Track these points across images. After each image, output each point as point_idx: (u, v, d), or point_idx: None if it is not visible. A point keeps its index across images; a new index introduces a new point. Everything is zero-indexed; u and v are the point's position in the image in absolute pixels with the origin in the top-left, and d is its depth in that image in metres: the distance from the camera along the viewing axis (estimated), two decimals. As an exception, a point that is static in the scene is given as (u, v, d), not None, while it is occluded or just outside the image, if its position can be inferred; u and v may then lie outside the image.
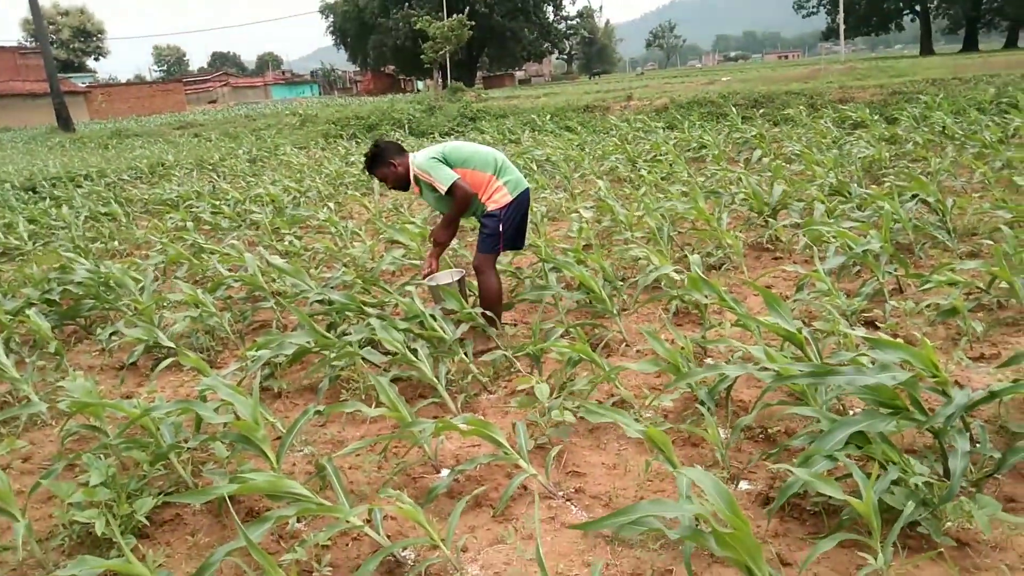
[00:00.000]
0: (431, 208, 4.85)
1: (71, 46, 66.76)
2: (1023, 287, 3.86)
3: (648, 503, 2.05)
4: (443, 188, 4.15)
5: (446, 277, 4.48)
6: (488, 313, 4.18)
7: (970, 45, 46.28)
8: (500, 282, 4.46)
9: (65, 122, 30.68)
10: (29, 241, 8.21)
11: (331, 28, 63.09)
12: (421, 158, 4.29)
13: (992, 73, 14.85)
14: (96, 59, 71.83)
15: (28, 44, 58.86)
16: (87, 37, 68.80)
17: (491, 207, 4.28)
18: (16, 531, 2.49)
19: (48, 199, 11.29)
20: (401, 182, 4.36)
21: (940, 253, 5.15)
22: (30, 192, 12.27)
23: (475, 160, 4.31)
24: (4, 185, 12.54)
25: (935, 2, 47.41)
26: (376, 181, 4.74)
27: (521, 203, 4.36)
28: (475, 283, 4.46)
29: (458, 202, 4.22)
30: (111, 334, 4.71)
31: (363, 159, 4.42)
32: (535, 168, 10.43)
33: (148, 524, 2.72)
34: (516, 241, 4.49)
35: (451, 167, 4.22)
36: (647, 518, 2.16)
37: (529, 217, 4.78)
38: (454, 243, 5.70)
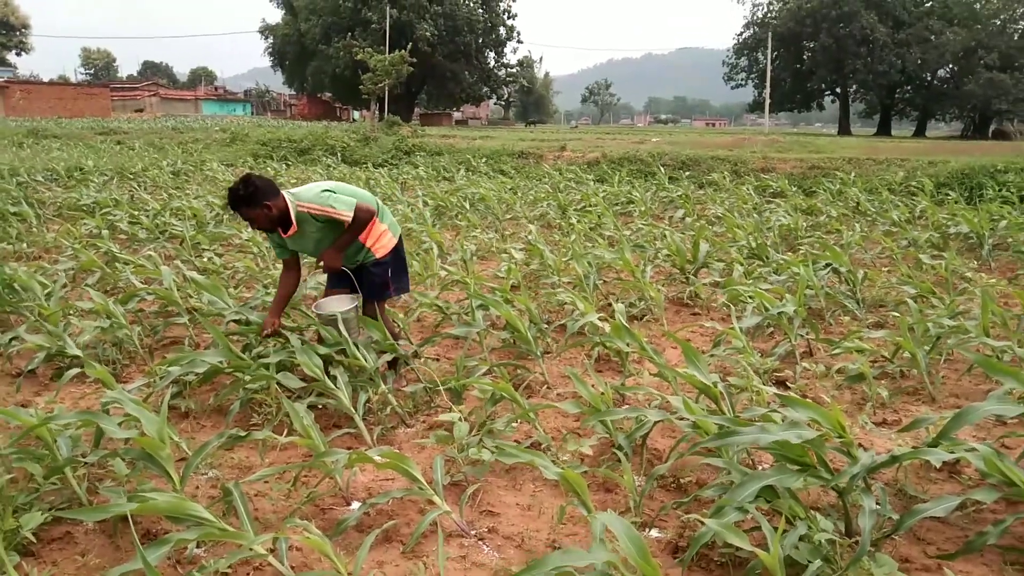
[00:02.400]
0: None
1: (-9, 38, 64.09)
2: (924, 358, 4.07)
3: (560, 554, 2.03)
4: (348, 215, 3.88)
5: (339, 304, 4.11)
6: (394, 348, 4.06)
7: (884, 130, 49.34)
8: (391, 322, 4.42)
9: (-23, 116, 29.29)
10: (-74, 235, 7.74)
11: (269, 49, 62.50)
12: (310, 194, 3.95)
13: (903, 157, 15.75)
14: (18, 54, 69.14)
15: (-57, 32, 56.25)
16: (9, 30, 66.12)
17: (380, 253, 4.17)
18: None
19: (-48, 194, 10.69)
20: (272, 224, 3.91)
21: (849, 321, 5.39)
22: (-68, 185, 11.60)
23: (360, 198, 4.06)
24: (-97, 175, 11.83)
25: (854, 87, 50.39)
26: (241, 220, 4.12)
27: (400, 246, 4.34)
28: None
29: (360, 224, 3.98)
30: (11, 339, 4.46)
31: (227, 194, 3.87)
32: (467, 207, 10.48)
33: (35, 541, 2.55)
34: (403, 283, 4.42)
35: None
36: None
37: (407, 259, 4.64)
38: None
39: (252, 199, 3.78)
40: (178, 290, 5.12)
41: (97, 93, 56.14)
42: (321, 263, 4.13)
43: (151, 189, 12.50)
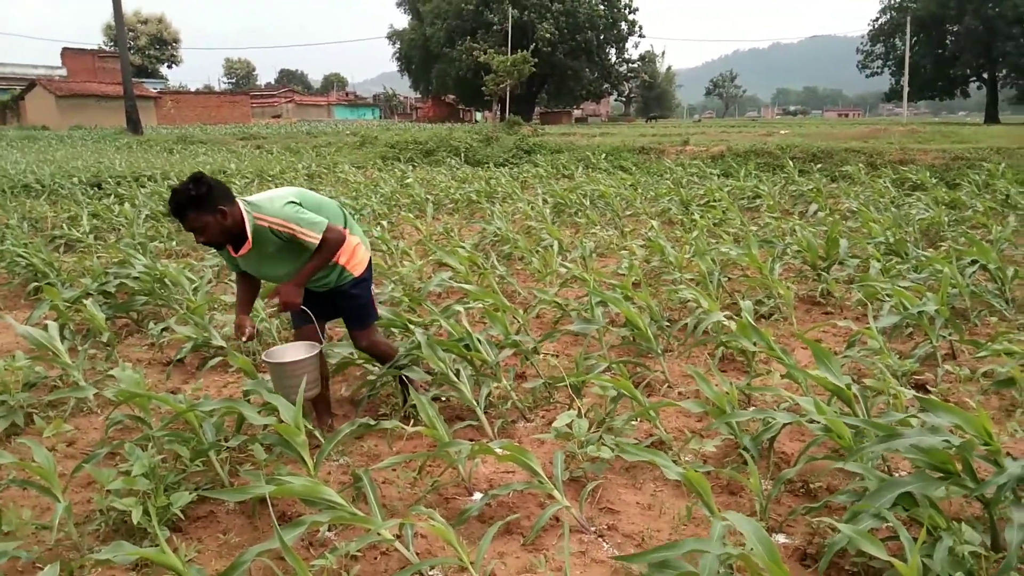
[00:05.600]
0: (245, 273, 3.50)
1: (147, 52, 69.17)
2: (1085, 363, 3.74)
3: (692, 540, 2.01)
4: (315, 237, 3.20)
5: (295, 352, 3.43)
6: (405, 375, 3.78)
7: (1038, 116, 45.46)
8: (390, 342, 4.03)
9: (135, 125, 31.73)
10: (90, 234, 8.45)
11: (397, 55, 64.49)
12: (273, 206, 3.22)
13: (1060, 146, 14.53)
14: (169, 67, 74.28)
15: (107, 48, 61.21)
16: (163, 45, 71.24)
17: (357, 271, 3.56)
18: (56, 512, 2.54)
19: (112, 196, 11.63)
20: (224, 236, 3.18)
21: (997, 322, 5.02)
22: (96, 188, 12.67)
23: (327, 210, 3.43)
24: (72, 180, 12.96)
25: (1003, 72, 46.80)
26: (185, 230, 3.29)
27: (371, 263, 3.73)
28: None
29: (331, 247, 3.29)
30: (163, 329, 4.81)
31: (171, 196, 3.09)
32: (587, 204, 10.45)
33: (182, 518, 2.75)
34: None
35: None
36: (680, 560, 2.12)
37: None
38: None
39: (204, 201, 3.06)
40: (311, 286, 5.35)
41: (238, 101, 59.63)
42: (276, 299, 3.40)
43: (286, 190, 13.12)
